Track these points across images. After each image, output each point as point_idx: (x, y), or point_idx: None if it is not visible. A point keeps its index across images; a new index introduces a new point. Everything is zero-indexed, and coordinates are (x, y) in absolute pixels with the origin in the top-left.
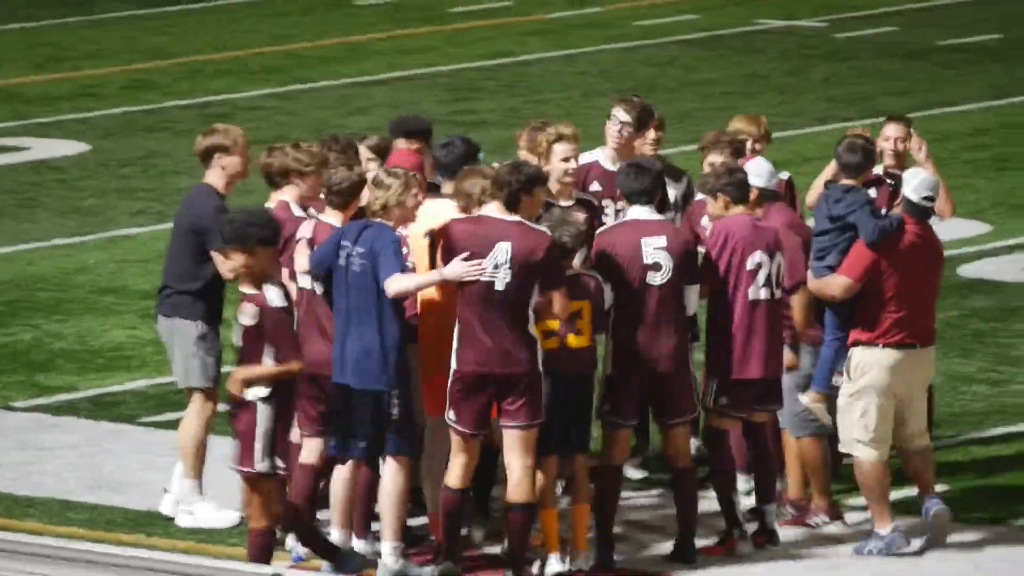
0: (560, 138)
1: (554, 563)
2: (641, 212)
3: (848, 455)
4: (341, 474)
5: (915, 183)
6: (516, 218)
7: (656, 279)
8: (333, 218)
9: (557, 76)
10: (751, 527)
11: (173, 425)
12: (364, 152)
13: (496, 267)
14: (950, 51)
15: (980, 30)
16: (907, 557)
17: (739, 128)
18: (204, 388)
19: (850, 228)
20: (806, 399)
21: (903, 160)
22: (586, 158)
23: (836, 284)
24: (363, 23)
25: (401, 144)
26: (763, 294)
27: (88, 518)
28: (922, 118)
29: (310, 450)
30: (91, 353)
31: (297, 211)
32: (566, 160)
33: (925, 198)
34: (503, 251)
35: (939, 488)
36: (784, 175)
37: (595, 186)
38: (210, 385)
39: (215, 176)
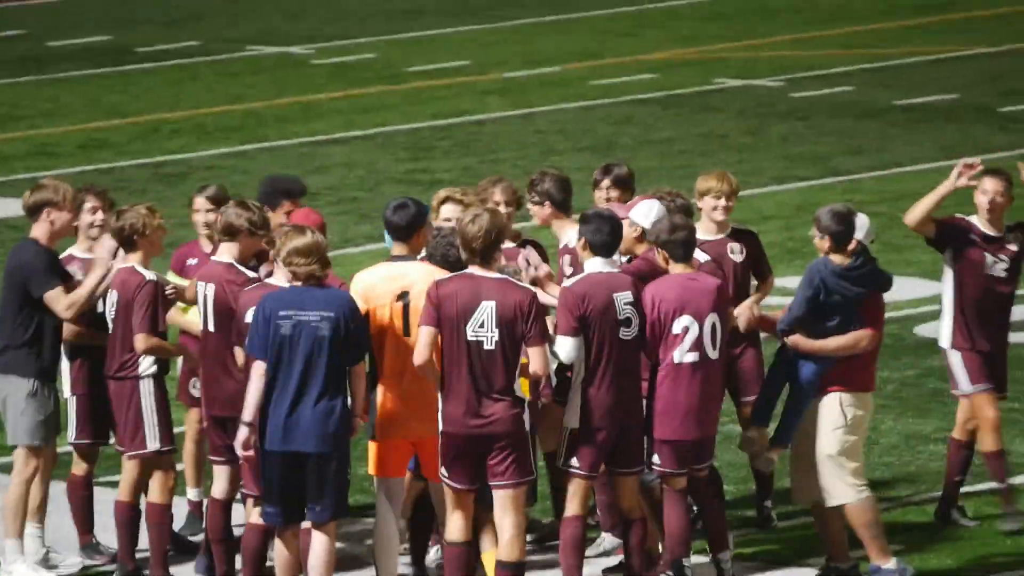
0: (447, 200)
1: None
2: (604, 265)
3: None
4: (287, 542)
5: (868, 229)
6: (500, 276)
7: (628, 334)
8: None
9: (514, 135)
10: None
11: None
12: (201, 203)
13: (481, 326)
14: (904, 111)
15: (934, 90)
16: None
17: (709, 186)
18: (29, 446)
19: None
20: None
21: (999, 214)
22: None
23: (862, 336)
24: (318, 83)
25: (286, 203)
26: (690, 357)
27: None
28: (875, 177)
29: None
30: None
31: (149, 275)
32: (447, 220)
33: (871, 241)
34: (488, 310)
35: (894, 548)
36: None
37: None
38: (36, 443)
39: (41, 230)
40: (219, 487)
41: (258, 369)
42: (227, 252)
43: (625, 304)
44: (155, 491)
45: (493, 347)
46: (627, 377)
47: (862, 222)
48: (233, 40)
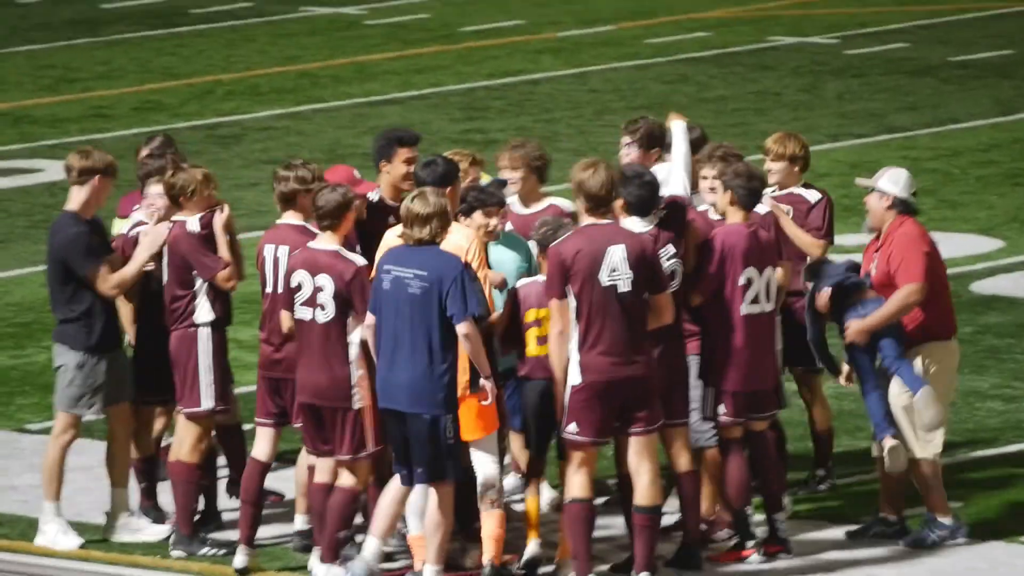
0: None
1: (533, 547)
2: (640, 224)
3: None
4: (392, 490)
5: (904, 181)
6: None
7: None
8: (327, 242)
9: (568, 94)
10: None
11: None
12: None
13: (614, 270)
14: (958, 67)
15: (988, 46)
16: (917, 568)
17: (767, 147)
18: (70, 414)
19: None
20: (888, 444)
21: None
22: None
23: (910, 291)
24: (372, 43)
25: (402, 151)
26: (753, 309)
27: (101, 540)
28: (931, 134)
29: (321, 469)
30: None
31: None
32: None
33: (913, 193)
34: (618, 253)
35: (953, 504)
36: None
37: None
38: (78, 412)
39: (78, 198)
40: (261, 449)
41: (367, 321)
42: (292, 216)
43: (668, 259)
44: (184, 449)
45: (629, 288)
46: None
47: (897, 176)
48: (287, 1)
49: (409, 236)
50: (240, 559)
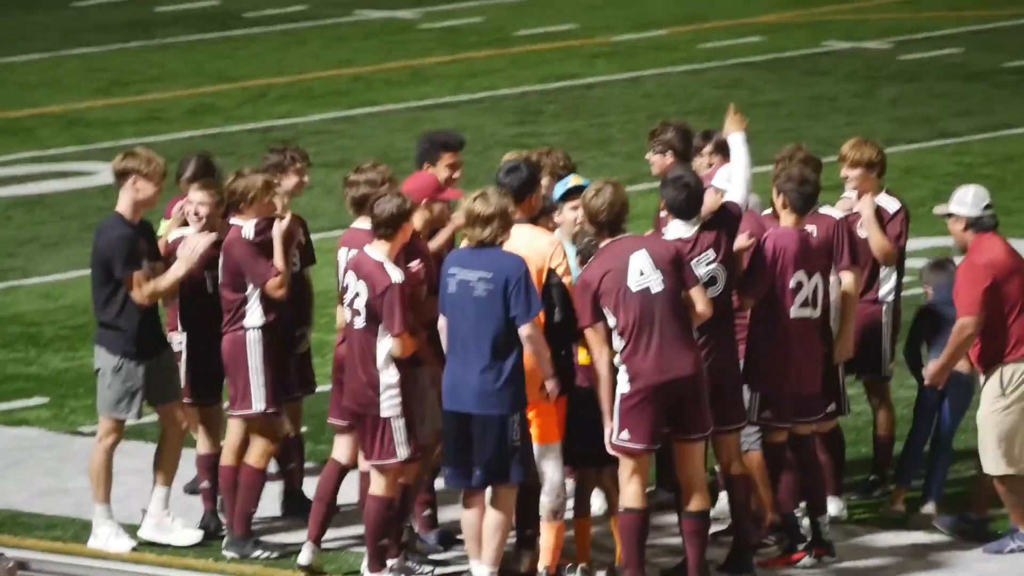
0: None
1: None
2: (683, 228)
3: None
4: (469, 505)
5: (970, 199)
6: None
7: (714, 292)
8: (378, 250)
9: (621, 99)
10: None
11: None
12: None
13: (641, 274)
14: (1012, 72)
15: None
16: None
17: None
18: (111, 418)
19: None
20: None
21: None
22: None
23: (963, 327)
24: (426, 47)
25: (446, 156)
26: (802, 312)
27: (152, 543)
28: (984, 140)
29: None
30: None
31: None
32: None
33: (986, 207)
34: (641, 258)
35: None
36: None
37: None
38: (118, 416)
39: (126, 200)
40: (341, 451)
41: (439, 324)
42: (365, 220)
43: (707, 264)
44: (252, 453)
45: (661, 287)
46: (711, 335)
47: (963, 195)
48: (340, 4)
49: (472, 236)
50: (305, 555)
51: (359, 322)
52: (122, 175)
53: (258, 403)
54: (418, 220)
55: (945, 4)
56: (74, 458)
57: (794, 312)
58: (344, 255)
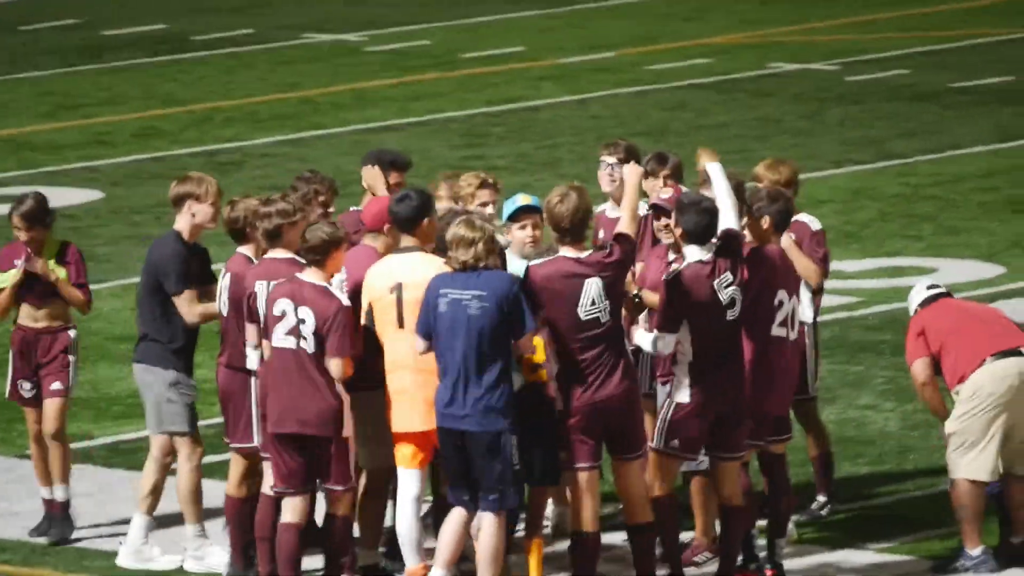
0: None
1: None
2: (700, 252)
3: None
4: (455, 519)
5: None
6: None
7: (730, 316)
8: (314, 276)
9: (569, 121)
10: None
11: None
12: (17, 221)
13: (592, 303)
14: (959, 93)
15: (989, 73)
16: None
17: (759, 173)
18: (185, 433)
19: None
20: None
21: None
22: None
23: (914, 378)
24: (372, 70)
25: (393, 175)
26: (780, 331)
27: (105, 566)
28: (932, 161)
29: (292, 509)
30: (107, 401)
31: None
32: (484, 205)
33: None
34: (593, 287)
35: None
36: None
37: (603, 235)
38: (189, 430)
39: (183, 223)
40: (270, 483)
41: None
42: (280, 251)
43: (727, 286)
44: (267, 483)
45: (609, 319)
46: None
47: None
48: (287, 28)
49: (455, 260)
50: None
51: (309, 347)
52: (177, 201)
53: (259, 436)
54: (380, 245)
55: (892, 26)
56: (23, 481)
57: (774, 331)
58: (264, 287)
